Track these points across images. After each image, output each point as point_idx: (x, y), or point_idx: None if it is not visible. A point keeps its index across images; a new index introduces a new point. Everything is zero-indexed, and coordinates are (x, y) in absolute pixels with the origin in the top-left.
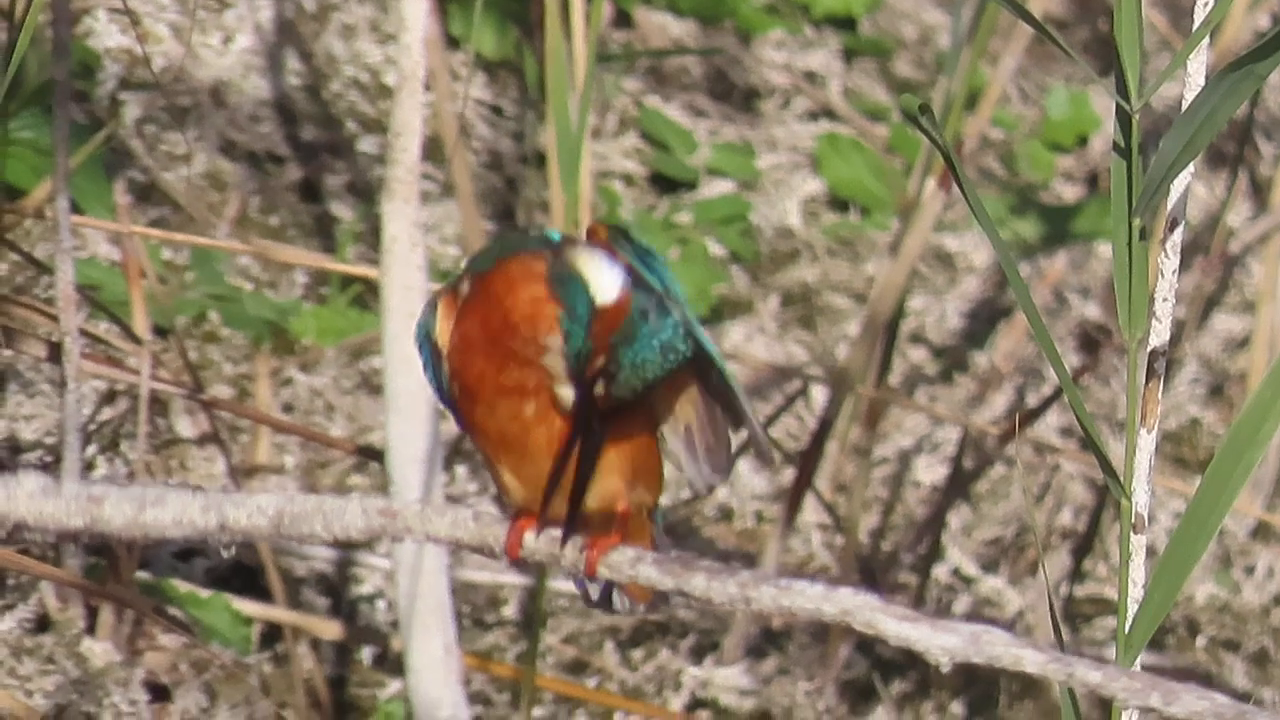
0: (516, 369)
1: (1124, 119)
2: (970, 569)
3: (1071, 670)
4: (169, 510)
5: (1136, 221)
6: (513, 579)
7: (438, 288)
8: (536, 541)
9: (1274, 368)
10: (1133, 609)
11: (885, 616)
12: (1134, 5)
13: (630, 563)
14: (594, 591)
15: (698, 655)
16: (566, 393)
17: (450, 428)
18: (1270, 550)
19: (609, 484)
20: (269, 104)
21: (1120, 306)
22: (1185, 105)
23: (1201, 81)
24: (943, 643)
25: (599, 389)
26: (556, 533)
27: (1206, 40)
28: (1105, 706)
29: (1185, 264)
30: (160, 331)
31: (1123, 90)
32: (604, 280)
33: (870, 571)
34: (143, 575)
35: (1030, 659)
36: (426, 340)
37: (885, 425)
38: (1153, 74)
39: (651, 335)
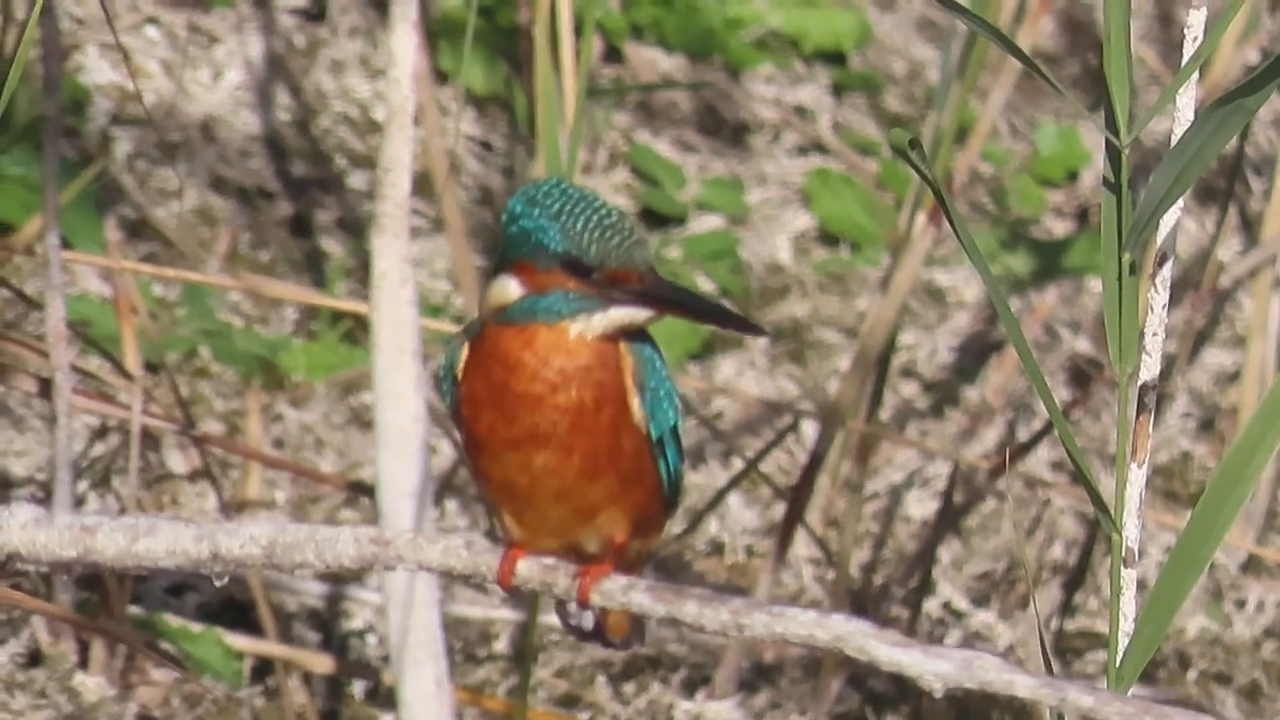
0: (529, 420)
1: (1114, 154)
2: (961, 603)
3: (1064, 695)
4: (162, 540)
5: (1127, 256)
6: (504, 614)
7: (460, 329)
8: (529, 570)
9: (1264, 402)
10: (1123, 643)
11: (878, 642)
12: (1124, 41)
13: (623, 590)
14: (586, 622)
15: (689, 689)
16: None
17: (440, 462)
18: (1261, 584)
19: (616, 527)
20: (259, 139)
21: (1111, 341)
22: (1175, 140)
23: (1190, 116)
24: (935, 668)
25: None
26: (548, 561)
27: (1195, 75)
28: None
29: (1175, 298)
30: (151, 367)
31: (1113, 125)
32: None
33: (862, 605)
34: (134, 610)
35: (1022, 684)
36: (450, 375)
37: (876, 460)
38: (1142, 108)
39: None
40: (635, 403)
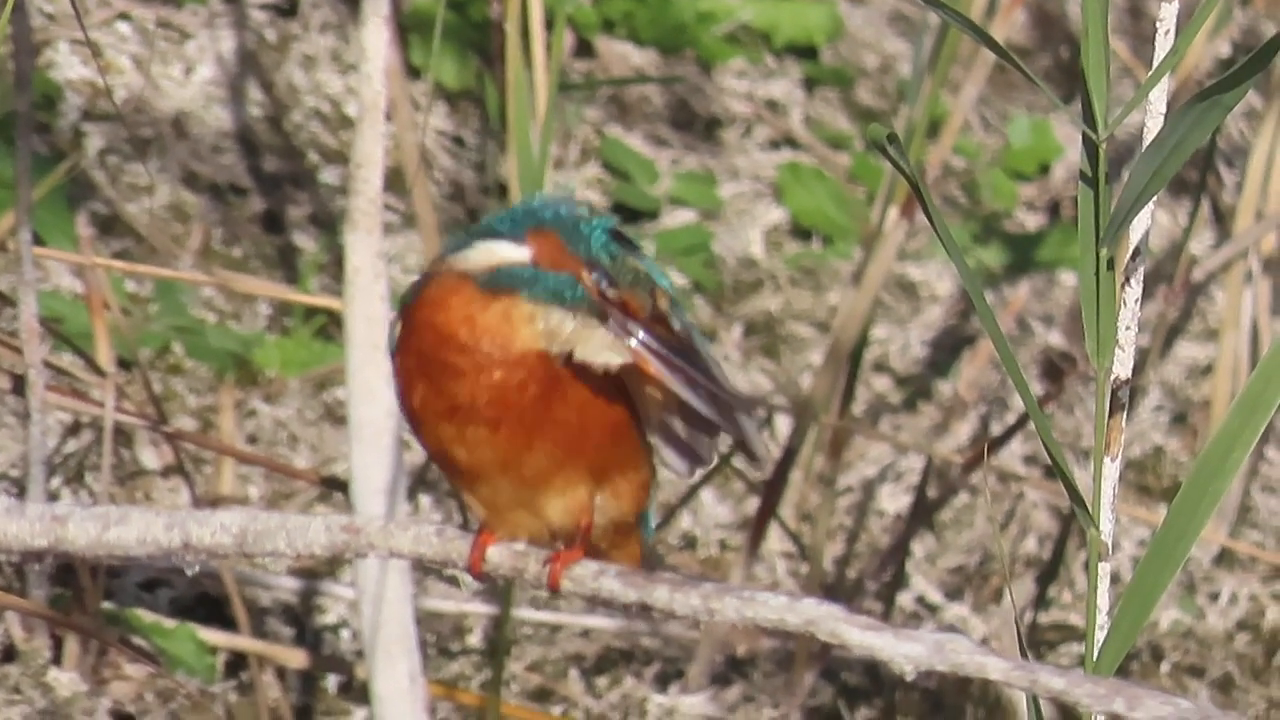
0: (454, 386)
1: (1090, 148)
2: (935, 596)
3: (1035, 677)
4: (133, 529)
5: (1104, 251)
6: (477, 608)
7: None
8: (499, 556)
9: (1241, 397)
10: (1100, 636)
11: (849, 626)
12: (1101, 35)
13: (593, 576)
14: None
15: (662, 683)
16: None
17: (414, 458)
18: (1234, 577)
19: (573, 495)
20: (231, 135)
21: (1088, 336)
22: (1147, 133)
23: (1163, 110)
24: (907, 651)
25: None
26: (519, 546)
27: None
28: None
29: (1148, 292)
30: (124, 363)
31: (1089, 120)
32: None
33: (835, 599)
34: (108, 605)
35: (994, 666)
36: (390, 346)
37: (849, 454)
38: (1114, 101)
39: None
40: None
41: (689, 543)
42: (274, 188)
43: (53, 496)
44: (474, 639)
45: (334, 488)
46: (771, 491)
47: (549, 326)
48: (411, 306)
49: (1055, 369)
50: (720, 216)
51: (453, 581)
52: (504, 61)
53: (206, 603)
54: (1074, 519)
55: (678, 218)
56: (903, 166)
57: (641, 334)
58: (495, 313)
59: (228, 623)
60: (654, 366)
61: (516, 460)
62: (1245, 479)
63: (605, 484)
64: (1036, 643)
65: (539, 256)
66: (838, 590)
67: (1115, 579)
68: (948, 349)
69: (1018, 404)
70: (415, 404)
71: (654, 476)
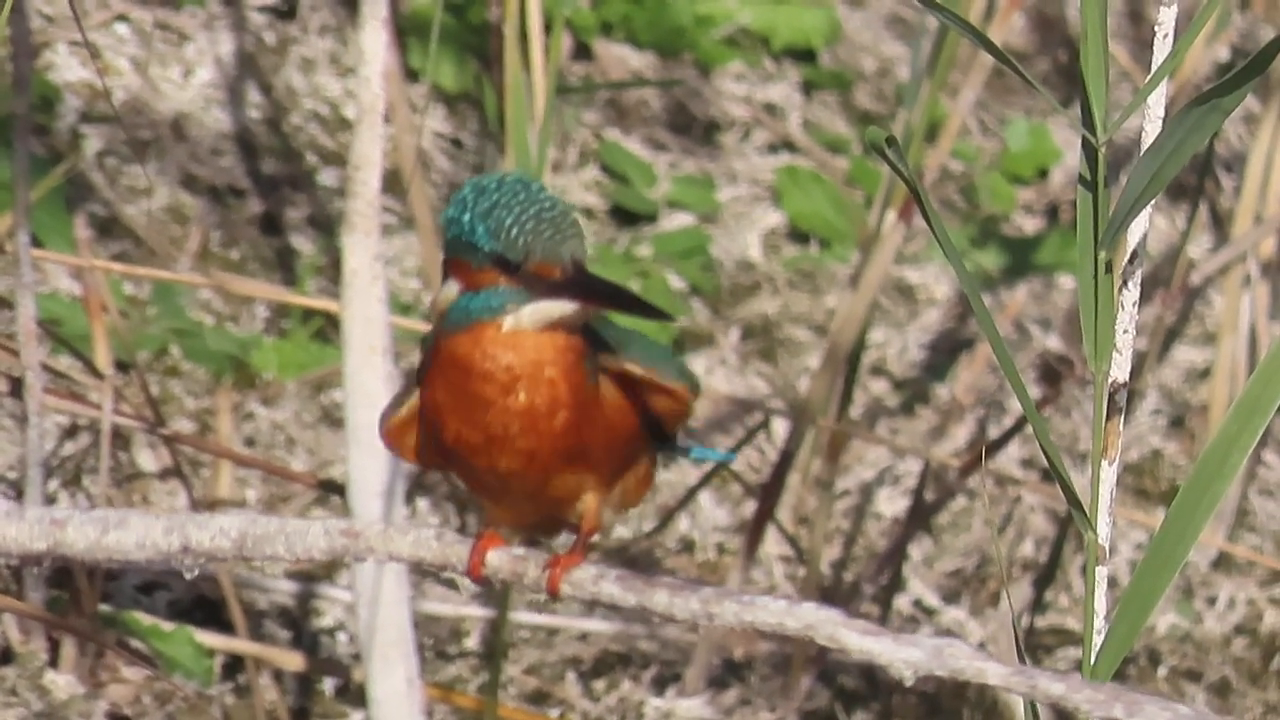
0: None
1: (1090, 152)
2: (932, 600)
3: (1034, 682)
4: (132, 533)
5: (1103, 255)
6: (475, 611)
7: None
8: (498, 560)
9: (1239, 401)
10: (1097, 641)
11: (848, 631)
12: (1100, 39)
13: (593, 580)
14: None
15: (660, 686)
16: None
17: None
18: (1232, 581)
19: (588, 503)
20: (229, 137)
21: (1086, 340)
22: (1145, 137)
23: (1161, 114)
24: (906, 656)
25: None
26: (518, 551)
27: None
28: None
29: (1146, 295)
30: (122, 366)
31: (1089, 124)
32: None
33: (832, 602)
34: (105, 608)
35: (993, 671)
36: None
37: (847, 457)
38: (1113, 105)
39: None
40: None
41: (686, 546)
42: (272, 190)
43: (50, 499)
44: (471, 642)
45: (332, 491)
46: (769, 495)
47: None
48: (435, 347)
49: (1053, 372)
50: (718, 220)
51: (450, 584)
52: (502, 64)
53: (204, 605)
54: (1071, 522)
55: (675, 221)
56: (901, 170)
57: (563, 284)
58: (492, 340)
59: (225, 625)
60: (587, 301)
61: (549, 485)
62: (1243, 483)
63: (617, 488)
64: (1034, 647)
65: (462, 284)
66: (835, 593)
67: (1113, 583)
68: (945, 352)
69: (1015, 407)
70: (449, 440)
71: (654, 470)
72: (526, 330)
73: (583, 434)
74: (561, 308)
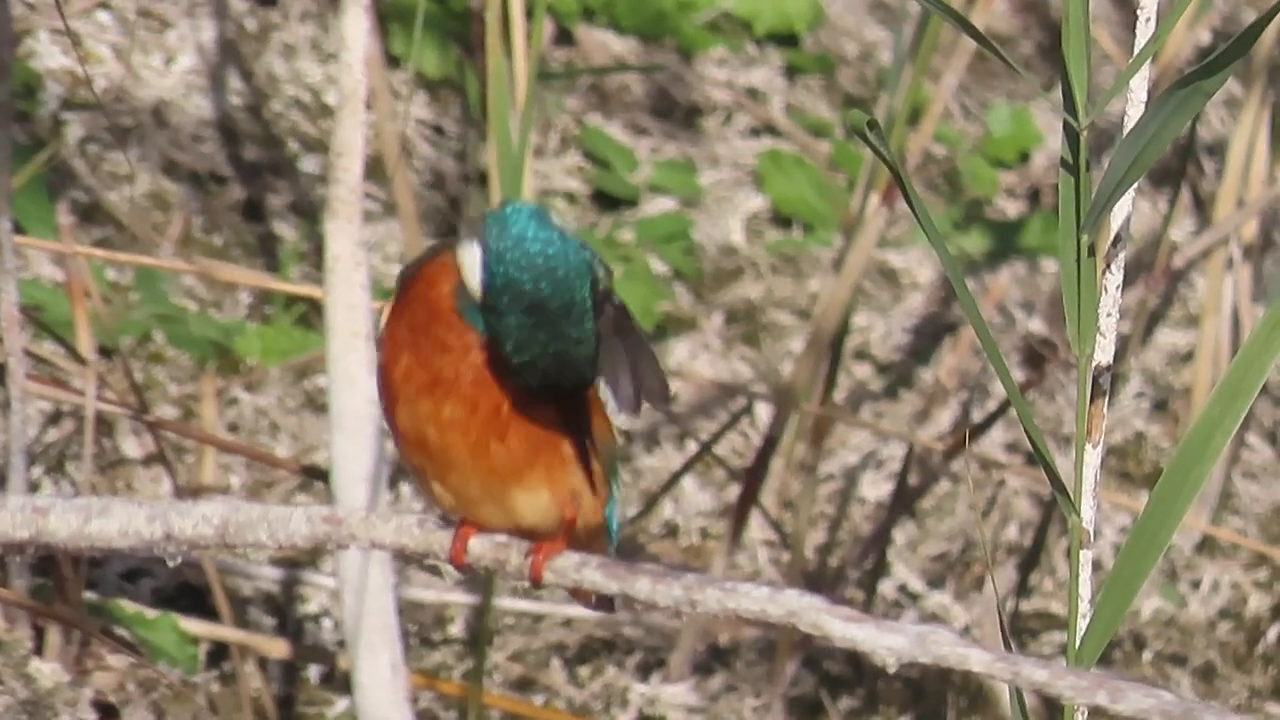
0: (440, 360)
1: (1072, 136)
2: (916, 585)
3: (1018, 669)
4: (114, 521)
5: (1085, 238)
6: (459, 597)
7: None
8: (481, 548)
9: (1222, 384)
10: (1082, 625)
11: (831, 617)
12: (1083, 22)
13: (575, 568)
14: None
15: (644, 672)
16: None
17: (394, 447)
18: (1216, 564)
19: (546, 492)
20: (211, 124)
21: (1069, 323)
22: (1127, 120)
23: (1143, 97)
24: (889, 643)
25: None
26: (500, 538)
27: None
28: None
29: (1129, 279)
30: (105, 352)
31: (1071, 107)
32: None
33: (817, 587)
34: (90, 596)
35: (976, 658)
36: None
37: (830, 442)
38: (1095, 89)
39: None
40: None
41: (670, 531)
42: (254, 176)
43: (33, 486)
44: (456, 629)
45: (315, 476)
46: (753, 479)
47: None
48: (410, 279)
49: (1036, 356)
50: (700, 204)
51: (434, 571)
52: (484, 50)
53: (188, 593)
54: (1055, 506)
55: (658, 206)
56: (884, 154)
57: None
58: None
59: (210, 613)
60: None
61: (486, 448)
62: (1226, 465)
63: (575, 480)
64: (1018, 631)
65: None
66: (819, 578)
67: (1097, 566)
68: (929, 336)
69: (998, 391)
70: (397, 375)
71: (616, 472)
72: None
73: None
74: None
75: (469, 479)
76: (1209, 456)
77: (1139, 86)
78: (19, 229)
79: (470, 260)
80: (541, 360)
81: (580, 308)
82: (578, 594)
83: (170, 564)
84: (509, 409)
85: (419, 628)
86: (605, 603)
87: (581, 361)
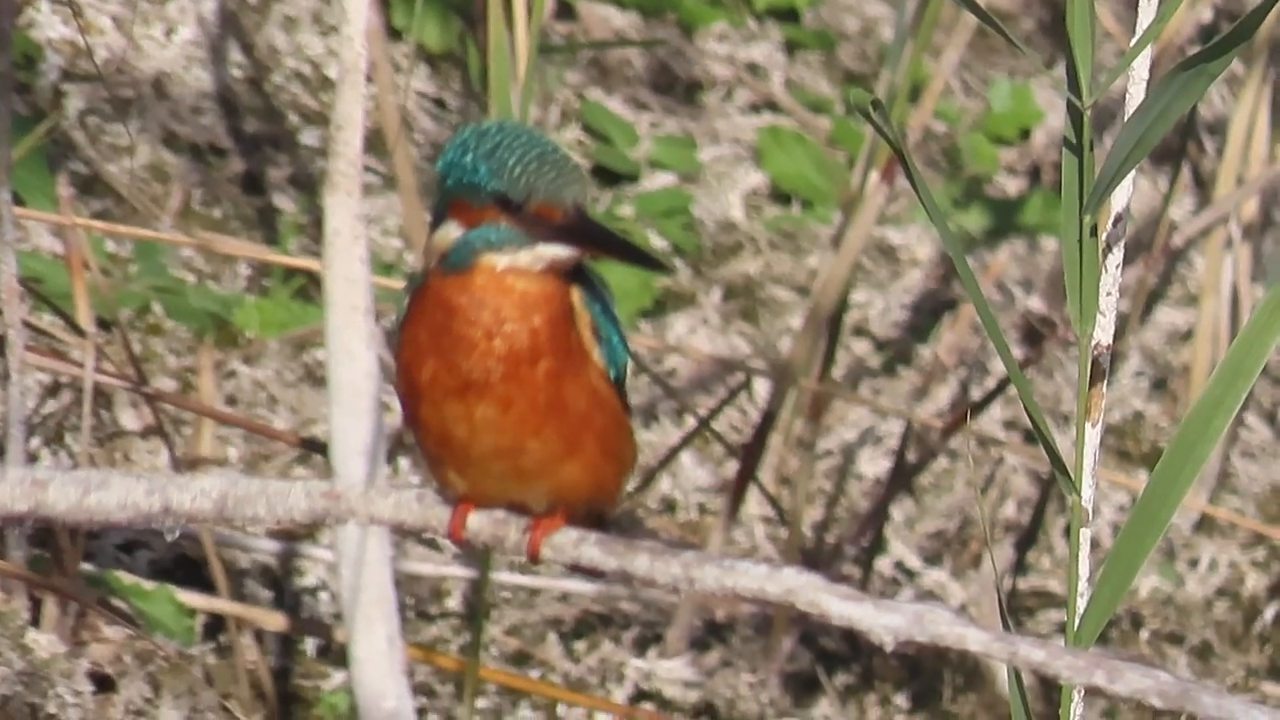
0: (466, 361)
1: (1075, 115)
2: (913, 562)
3: (1015, 649)
4: (113, 494)
5: (1088, 218)
6: (456, 571)
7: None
8: (479, 523)
9: (1223, 364)
10: (1081, 604)
11: (829, 596)
12: (1086, 3)
13: (573, 544)
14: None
15: (641, 647)
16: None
17: (393, 420)
18: (1214, 544)
19: (561, 487)
20: (211, 96)
21: (1071, 303)
22: (1129, 98)
23: (1145, 76)
24: (887, 622)
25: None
26: (499, 514)
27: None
28: (1050, 699)
29: (1129, 258)
30: (104, 324)
31: (1075, 87)
32: None
33: (814, 563)
34: (87, 567)
35: (974, 638)
36: (397, 326)
37: (829, 418)
38: (1095, 67)
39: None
40: (597, 354)
41: (668, 506)
42: (254, 149)
43: (32, 457)
44: (453, 602)
45: (313, 449)
46: (750, 456)
47: (512, 275)
48: (424, 287)
49: (1034, 333)
50: (700, 180)
51: (432, 545)
52: (486, 23)
53: (185, 565)
54: (1053, 484)
55: (657, 181)
56: (887, 132)
57: (564, 227)
58: (483, 286)
59: (207, 585)
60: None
61: (519, 446)
62: (1225, 445)
63: (595, 479)
64: (1015, 608)
65: (462, 223)
66: (816, 555)
67: (1095, 544)
68: (927, 313)
69: (997, 368)
70: (423, 379)
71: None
72: (520, 271)
73: (563, 388)
74: (560, 251)
75: (490, 471)
76: (1209, 437)
77: (1141, 65)
78: (18, 200)
79: (443, 230)
80: (529, 163)
81: (535, 130)
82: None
83: (168, 537)
84: (544, 401)
85: (416, 601)
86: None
87: (568, 162)
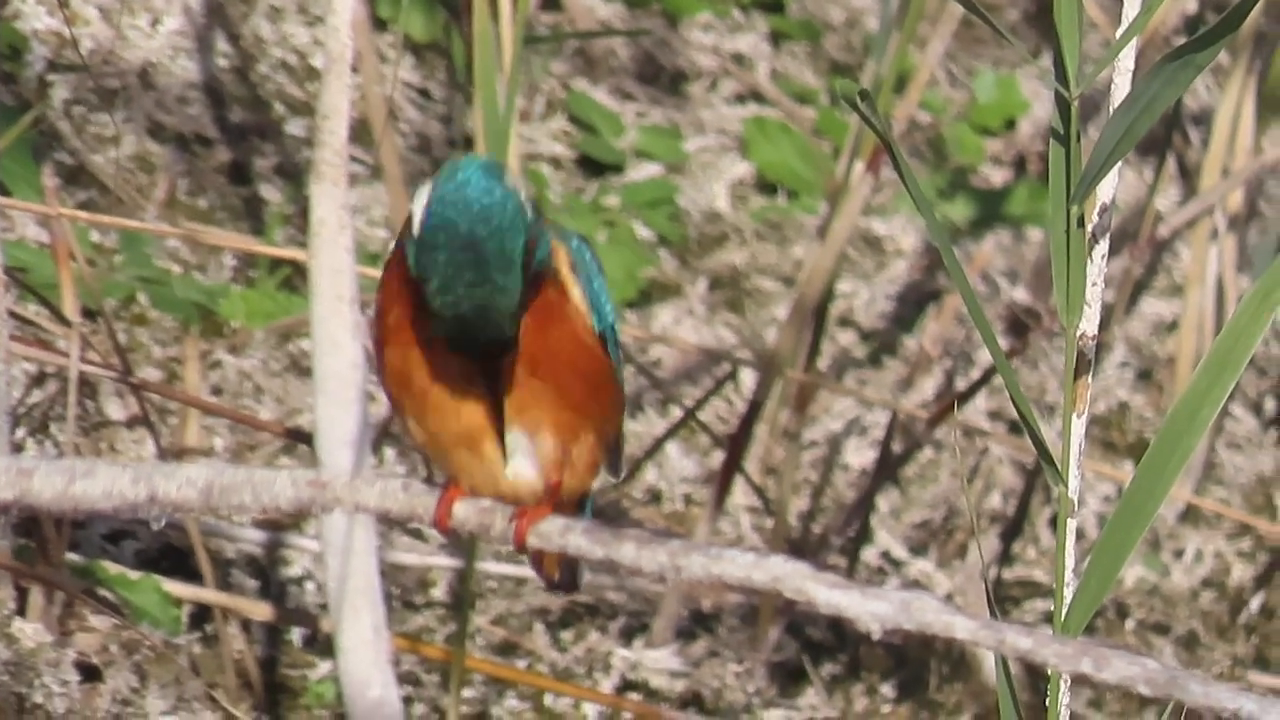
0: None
1: (1063, 106)
2: (899, 552)
3: (1002, 637)
4: (99, 482)
5: (1075, 209)
6: (442, 561)
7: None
8: (465, 512)
9: (1209, 356)
10: (1068, 594)
11: (816, 584)
12: None
13: (560, 532)
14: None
15: (627, 637)
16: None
17: (378, 410)
18: (1199, 534)
19: (545, 447)
20: (197, 86)
21: (1058, 294)
22: (1114, 89)
23: (1131, 66)
24: (873, 609)
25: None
26: (485, 503)
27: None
28: (1036, 688)
29: (1114, 249)
30: (89, 314)
31: (1062, 77)
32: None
33: (800, 553)
34: (73, 557)
35: (961, 625)
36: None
37: (814, 408)
38: (1081, 58)
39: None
40: (576, 292)
41: (654, 497)
42: (240, 139)
43: (18, 447)
44: (439, 592)
45: (299, 439)
46: (736, 446)
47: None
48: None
49: (1020, 324)
50: (685, 170)
51: (418, 535)
52: (471, 14)
53: (171, 555)
54: (1038, 474)
55: (643, 171)
56: (874, 123)
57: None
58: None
59: (193, 575)
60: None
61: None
62: (1211, 435)
63: (575, 442)
64: (1001, 598)
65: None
66: (802, 545)
67: (1080, 535)
68: (913, 304)
69: (982, 359)
70: (390, 322)
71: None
72: None
73: (547, 337)
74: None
75: (447, 424)
76: (1196, 429)
77: (1127, 56)
78: (4, 190)
79: (419, 203)
80: (463, 303)
81: (509, 256)
82: (540, 571)
83: (154, 526)
84: (525, 351)
85: (402, 591)
86: (567, 582)
87: (502, 313)
